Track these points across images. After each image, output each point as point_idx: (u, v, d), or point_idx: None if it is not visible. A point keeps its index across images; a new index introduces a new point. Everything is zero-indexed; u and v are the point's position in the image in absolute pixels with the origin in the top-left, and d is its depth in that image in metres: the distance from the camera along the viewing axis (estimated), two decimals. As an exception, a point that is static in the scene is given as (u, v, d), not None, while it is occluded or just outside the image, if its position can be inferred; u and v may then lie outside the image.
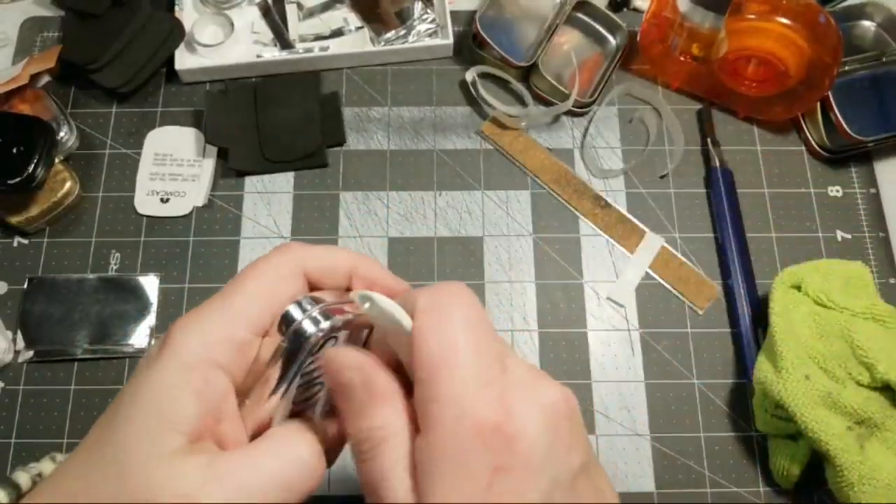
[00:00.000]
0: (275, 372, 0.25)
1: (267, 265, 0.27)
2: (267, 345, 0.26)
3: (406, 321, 0.24)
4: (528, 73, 0.57)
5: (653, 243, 0.54)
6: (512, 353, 0.24)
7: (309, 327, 0.25)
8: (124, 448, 0.23)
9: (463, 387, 0.22)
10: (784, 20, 0.54)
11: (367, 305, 0.24)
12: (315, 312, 0.25)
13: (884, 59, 0.57)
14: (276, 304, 0.26)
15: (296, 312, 0.26)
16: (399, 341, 0.24)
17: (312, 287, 0.28)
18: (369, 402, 0.24)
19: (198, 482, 0.22)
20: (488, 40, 0.56)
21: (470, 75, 0.57)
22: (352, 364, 0.24)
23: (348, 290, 0.28)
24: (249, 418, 0.26)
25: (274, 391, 0.25)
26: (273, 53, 0.58)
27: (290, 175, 0.55)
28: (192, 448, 0.23)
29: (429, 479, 0.22)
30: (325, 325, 0.25)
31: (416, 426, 0.23)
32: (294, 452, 0.25)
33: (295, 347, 0.25)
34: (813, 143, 0.56)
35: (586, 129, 0.57)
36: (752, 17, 0.54)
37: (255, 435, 0.26)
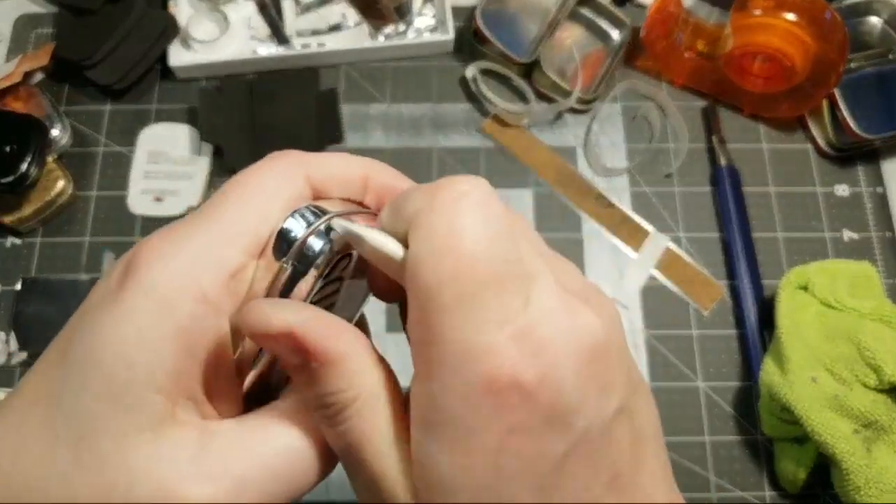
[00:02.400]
0: None
1: (260, 170, 0.20)
2: (262, 269, 0.20)
3: (396, 250, 0.19)
4: (529, 69, 0.56)
5: (657, 243, 0.53)
6: (540, 267, 0.19)
7: (316, 243, 0.20)
8: (82, 417, 0.18)
9: (467, 330, 0.17)
10: (790, 16, 0.53)
11: (336, 236, 0.19)
12: (321, 225, 0.20)
13: (891, 56, 0.56)
14: (274, 217, 0.20)
15: (296, 225, 0.20)
16: (392, 269, 0.19)
17: (317, 198, 0.22)
18: (316, 368, 0.19)
19: (182, 469, 0.18)
20: (489, 36, 0.55)
21: (471, 71, 0.56)
22: (274, 329, 0.18)
23: (359, 203, 0.23)
24: (244, 368, 0.20)
25: None
26: (269, 49, 0.57)
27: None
28: (174, 414, 0.18)
29: (425, 438, 0.18)
30: (333, 240, 0.20)
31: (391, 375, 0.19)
32: (292, 439, 0.20)
33: (300, 271, 0.20)
34: (819, 141, 0.56)
35: (589, 127, 0.56)
36: (758, 12, 0.54)
37: (250, 391, 0.21)
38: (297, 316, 0.19)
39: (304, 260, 0.20)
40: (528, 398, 0.17)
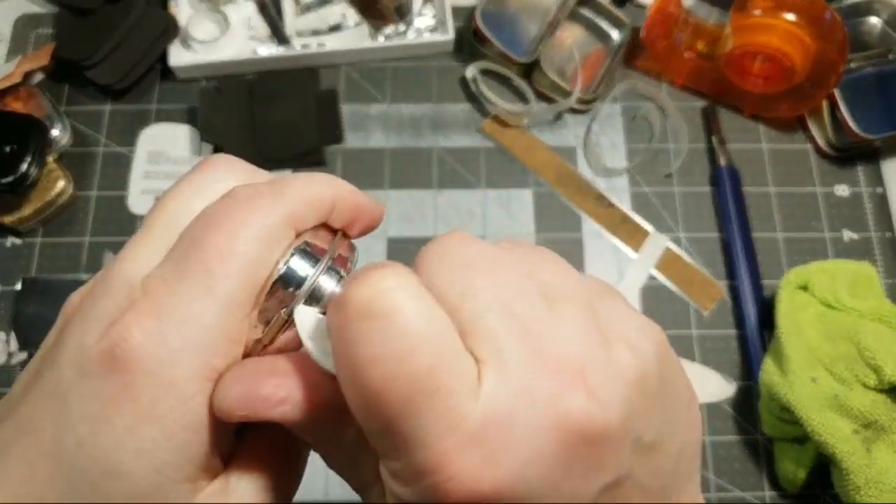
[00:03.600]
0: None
1: (242, 217, 0.18)
2: (252, 320, 0.19)
3: (329, 368, 0.18)
4: (529, 69, 0.56)
5: (657, 243, 0.53)
6: (499, 344, 0.16)
7: (327, 285, 0.19)
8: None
9: (411, 445, 0.16)
10: (790, 16, 0.53)
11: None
12: (321, 270, 0.19)
13: (890, 57, 0.56)
14: (265, 273, 0.19)
15: (298, 272, 0.19)
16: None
17: (298, 233, 0.21)
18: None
19: None
20: (489, 36, 0.55)
21: (470, 72, 0.56)
22: (236, 419, 0.18)
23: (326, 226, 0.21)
24: None
25: None
26: (269, 49, 0.57)
27: (286, 174, 0.54)
28: (197, 489, 0.18)
29: None
30: (339, 283, 0.19)
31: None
32: (272, 477, 0.20)
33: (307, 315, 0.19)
34: (819, 141, 0.56)
35: (589, 127, 0.56)
36: (758, 12, 0.54)
37: None
38: (254, 400, 0.18)
39: (313, 302, 0.19)
40: None
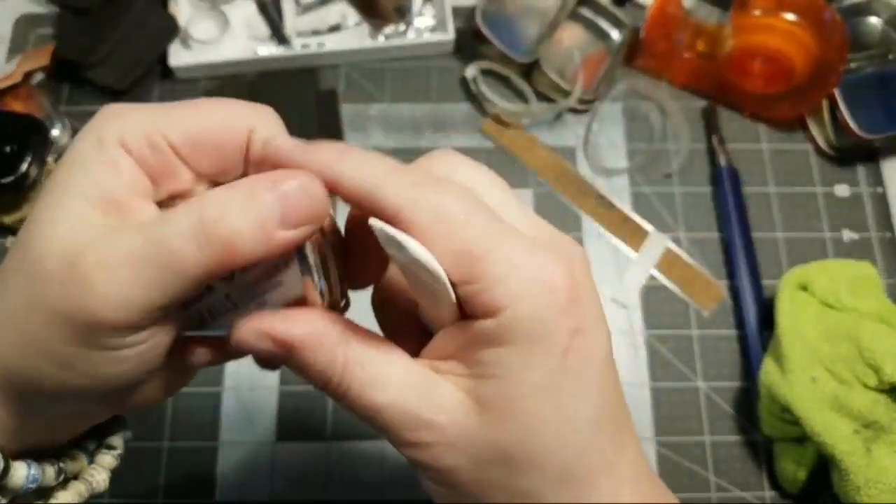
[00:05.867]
0: None
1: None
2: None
3: (441, 274, 0.21)
4: (529, 69, 0.56)
5: (657, 243, 0.53)
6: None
7: None
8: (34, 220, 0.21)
9: (526, 252, 0.21)
10: (790, 17, 0.53)
11: (390, 249, 0.21)
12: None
13: (890, 57, 0.56)
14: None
15: None
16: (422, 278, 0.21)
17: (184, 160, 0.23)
18: (302, 356, 0.22)
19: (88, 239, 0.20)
20: (489, 36, 0.55)
21: (470, 72, 0.56)
22: (260, 335, 0.22)
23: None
24: None
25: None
26: (269, 49, 0.57)
27: None
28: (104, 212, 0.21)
29: (491, 363, 0.21)
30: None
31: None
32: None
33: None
34: (819, 141, 0.56)
35: (589, 127, 0.56)
36: (758, 13, 0.54)
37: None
38: (266, 320, 0.22)
39: None
40: (579, 304, 0.21)
